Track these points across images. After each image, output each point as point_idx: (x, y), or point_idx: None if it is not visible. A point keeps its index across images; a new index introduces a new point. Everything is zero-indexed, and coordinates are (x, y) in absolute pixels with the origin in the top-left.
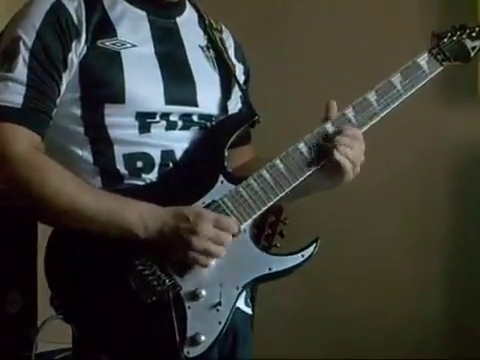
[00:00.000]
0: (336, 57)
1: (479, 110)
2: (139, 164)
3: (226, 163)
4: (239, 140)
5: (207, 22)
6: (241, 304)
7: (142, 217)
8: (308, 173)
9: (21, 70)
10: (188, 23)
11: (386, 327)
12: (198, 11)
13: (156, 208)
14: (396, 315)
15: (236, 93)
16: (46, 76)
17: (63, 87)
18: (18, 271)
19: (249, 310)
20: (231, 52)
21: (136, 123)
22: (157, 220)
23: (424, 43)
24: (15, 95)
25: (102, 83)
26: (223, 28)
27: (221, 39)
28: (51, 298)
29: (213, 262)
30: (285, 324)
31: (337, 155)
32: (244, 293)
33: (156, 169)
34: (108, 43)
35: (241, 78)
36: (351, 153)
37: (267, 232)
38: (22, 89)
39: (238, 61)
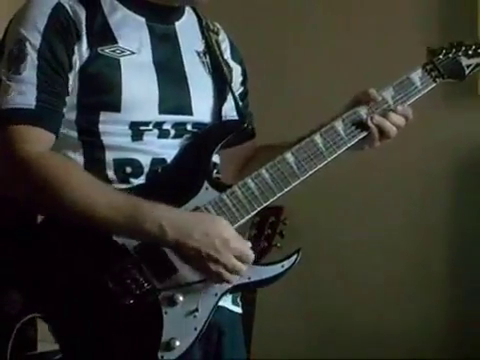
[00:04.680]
0: (335, 62)
1: (479, 110)
2: (128, 169)
3: (212, 170)
4: (236, 140)
5: (204, 24)
6: (228, 304)
7: (162, 229)
8: (293, 184)
9: (30, 71)
10: (186, 27)
11: (386, 327)
12: (196, 13)
13: (177, 218)
14: (396, 315)
15: (232, 98)
16: (55, 76)
17: (71, 87)
18: (18, 271)
19: (238, 309)
20: (227, 54)
21: (129, 131)
22: (179, 233)
23: (424, 51)
24: (27, 97)
25: (100, 90)
26: (219, 29)
27: (217, 41)
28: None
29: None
30: (284, 324)
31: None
32: (231, 294)
33: (144, 175)
34: (108, 50)
35: (238, 79)
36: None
37: (267, 232)
38: (33, 90)
39: (235, 62)
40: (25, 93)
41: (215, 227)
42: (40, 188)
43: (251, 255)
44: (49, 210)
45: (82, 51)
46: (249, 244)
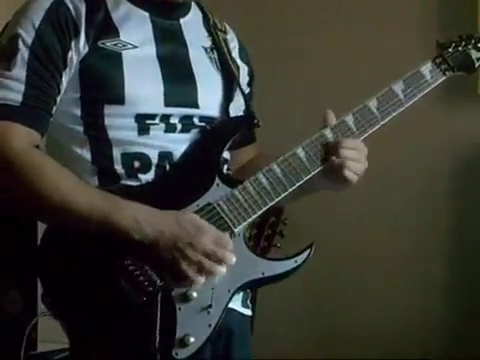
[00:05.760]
0: (339, 62)
1: (479, 110)
2: (136, 164)
3: (223, 166)
4: (240, 141)
5: (211, 22)
6: (238, 306)
7: (137, 222)
8: (305, 179)
9: (20, 68)
10: (192, 24)
11: (386, 327)
12: (203, 11)
13: (153, 213)
14: (396, 315)
15: (239, 95)
16: (46, 74)
17: (63, 85)
18: (19, 271)
19: (248, 311)
20: (235, 53)
21: (135, 125)
22: (154, 227)
23: (423, 49)
24: (14, 93)
25: (102, 84)
26: (227, 29)
27: (225, 40)
28: (42, 295)
29: (200, 279)
30: (284, 324)
31: (347, 173)
32: (241, 294)
33: (153, 170)
34: (109, 44)
35: (245, 79)
36: (359, 167)
37: (267, 232)
38: (21, 87)
39: (242, 62)
40: (13, 89)
41: (186, 217)
42: (15, 184)
43: (226, 238)
44: (28, 206)
45: (79, 46)
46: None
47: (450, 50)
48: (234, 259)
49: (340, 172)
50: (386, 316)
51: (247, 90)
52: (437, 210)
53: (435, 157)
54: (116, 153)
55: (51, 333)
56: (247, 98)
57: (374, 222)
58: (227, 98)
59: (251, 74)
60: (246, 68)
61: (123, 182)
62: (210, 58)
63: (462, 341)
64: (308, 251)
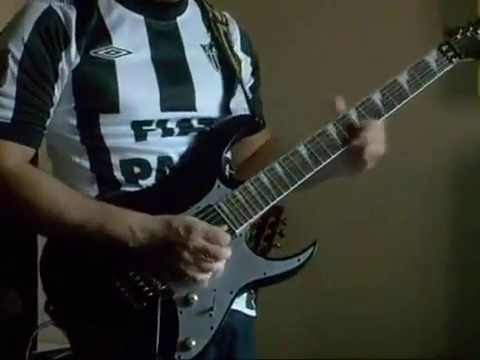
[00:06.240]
0: (341, 58)
1: (479, 110)
2: (136, 170)
3: (224, 167)
4: (247, 132)
5: (210, 16)
6: (242, 307)
7: (131, 230)
8: (307, 176)
9: (10, 84)
10: (190, 22)
11: (386, 327)
12: (201, 5)
13: (146, 219)
14: (396, 315)
15: (241, 90)
16: (36, 88)
17: (56, 97)
18: (18, 272)
19: (252, 312)
20: (237, 45)
21: (132, 132)
22: (146, 233)
23: (424, 43)
24: (4, 110)
25: (96, 93)
26: (228, 19)
27: (226, 33)
28: (46, 304)
29: (202, 277)
30: (284, 324)
31: (367, 156)
32: (246, 295)
33: (153, 175)
34: (102, 52)
35: (248, 70)
36: (379, 149)
37: (267, 232)
38: (11, 103)
39: (245, 53)
40: (4, 106)
41: (176, 218)
42: (13, 199)
43: (220, 233)
44: (26, 221)
45: (71, 56)
46: (224, 228)
47: (458, 36)
48: (229, 253)
49: (359, 154)
50: (386, 316)
51: (251, 81)
52: (438, 210)
53: (435, 158)
54: (115, 160)
55: (51, 333)
56: (247, 94)
57: (374, 221)
58: (228, 95)
59: (255, 63)
60: (248, 59)
61: (123, 188)
62: (209, 56)
63: (462, 342)
64: (311, 249)
